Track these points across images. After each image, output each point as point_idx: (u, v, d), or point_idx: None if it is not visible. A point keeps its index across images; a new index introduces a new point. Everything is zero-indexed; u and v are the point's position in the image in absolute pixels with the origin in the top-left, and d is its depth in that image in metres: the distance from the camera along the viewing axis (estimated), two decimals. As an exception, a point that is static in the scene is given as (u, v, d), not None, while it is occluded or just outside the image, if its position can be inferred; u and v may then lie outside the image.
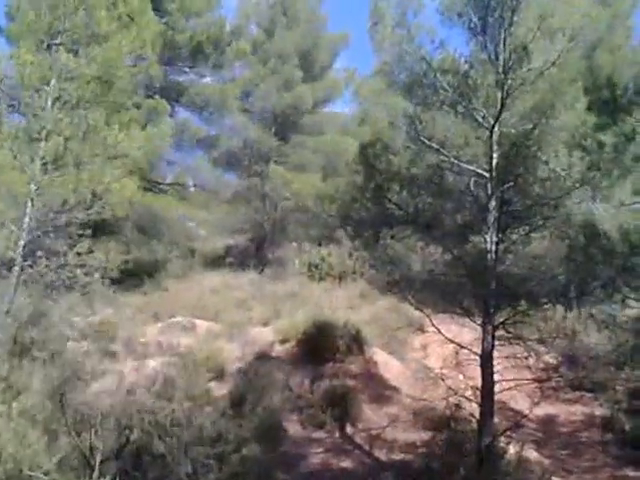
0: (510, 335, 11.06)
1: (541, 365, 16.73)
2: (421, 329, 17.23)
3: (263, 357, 15.80)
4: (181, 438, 9.26)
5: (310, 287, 21.65)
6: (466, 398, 11.40)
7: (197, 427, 9.68)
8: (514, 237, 10.92)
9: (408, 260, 11.49)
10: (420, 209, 10.50)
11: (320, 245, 25.22)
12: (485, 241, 10.68)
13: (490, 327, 10.77)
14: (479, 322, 11.09)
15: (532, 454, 12.60)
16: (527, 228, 10.91)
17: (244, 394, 12.81)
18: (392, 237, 11.16)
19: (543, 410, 14.92)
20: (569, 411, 15.91)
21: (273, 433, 11.93)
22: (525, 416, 13.36)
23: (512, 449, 11.57)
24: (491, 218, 10.68)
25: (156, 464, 9.07)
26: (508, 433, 11.51)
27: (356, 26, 38.89)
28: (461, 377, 13.43)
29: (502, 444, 11.30)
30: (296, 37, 28.32)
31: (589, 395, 16.57)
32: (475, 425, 11.13)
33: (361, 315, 17.97)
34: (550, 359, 17.23)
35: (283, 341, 16.49)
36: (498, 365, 11.22)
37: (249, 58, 26.63)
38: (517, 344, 11.47)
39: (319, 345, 15.65)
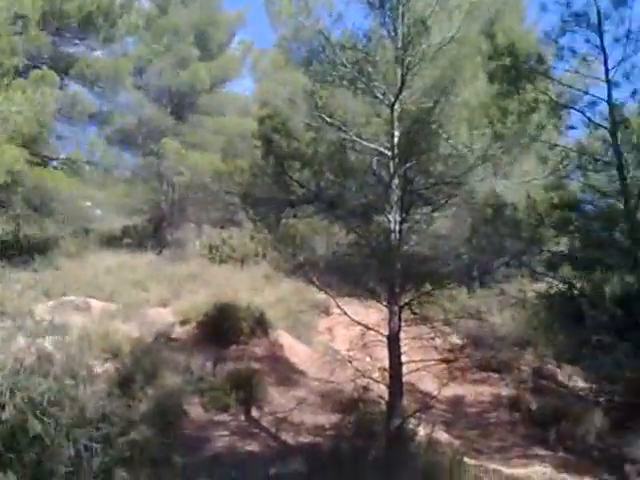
0: (416, 316, 10.88)
1: (448, 346, 16.74)
2: (326, 311, 17.22)
3: (162, 338, 15.05)
4: (60, 419, 8.51)
5: (211, 269, 21.08)
6: (374, 380, 11.16)
7: (79, 407, 8.87)
8: (418, 216, 10.72)
9: (311, 241, 11.16)
10: (323, 187, 10.12)
11: (222, 228, 24.66)
12: (389, 221, 10.45)
13: (396, 308, 10.56)
14: (385, 303, 10.88)
15: (442, 435, 12.56)
16: (430, 207, 10.74)
17: (133, 374, 12.00)
18: (294, 216, 10.77)
19: (451, 391, 14.95)
20: (477, 391, 15.98)
21: (171, 416, 11.30)
22: (434, 397, 13.15)
23: (422, 431, 11.44)
24: (394, 197, 10.46)
25: (33, 446, 8.29)
26: (417, 415, 11.33)
27: (253, 4, 37.74)
28: (368, 359, 13.23)
29: (411, 426, 11.16)
30: (192, 13, 27.34)
31: (495, 375, 16.73)
32: (384, 407, 10.97)
33: (265, 298, 17.56)
34: (457, 340, 17.32)
35: (183, 322, 15.86)
36: (405, 346, 11.02)
37: (142, 33, 25.51)
38: (424, 325, 11.31)
39: (221, 327, 15.15)
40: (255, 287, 18.86)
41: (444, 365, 13.93)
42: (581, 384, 16.63)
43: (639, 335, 13.81)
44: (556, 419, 13.69)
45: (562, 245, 13.48)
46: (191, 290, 18.08)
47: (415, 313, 10.72)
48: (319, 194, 10.11)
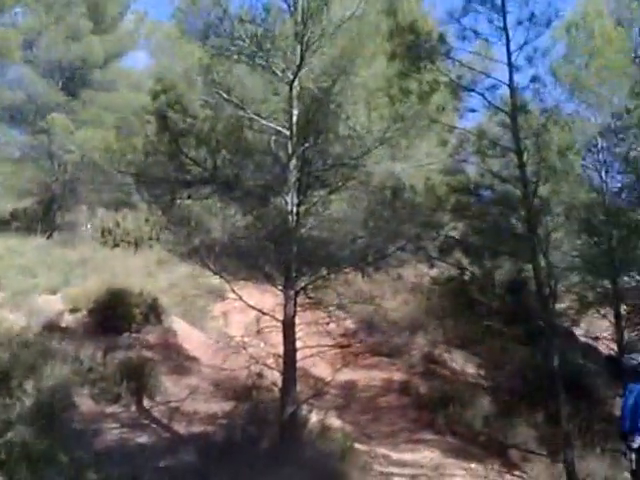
0: (312, 300, 10.71)
1: (341, 331, 16.77)
2: (222, 296, 16.83)
3: (50, 327, 14.19)
4: None
5: (103, 253, 20.26)
6: (268, 367, 11.00)
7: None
8: (315, 199, 10.51)
9: (207, 223, 10.80)
10: (219, 167, 9.75)
11: (116, 210, 23.81)
12: (286, 203, 10.20)
13: (292, 292, 10.37)
14: (281, 288, 10.67)
15: (334, 421, 12.51)
16: (328, 189, 10.56)
17: (10, 369, 11.20)
18: (189, 198, 10.38)
19: (344, 376, 14.83)
20: (369, 376, 16.00)
21: (58, 410, 10.70)
22: (327, 383, 13.20)
23: (315, 417, 11.33)
24: (292, 178, 10.23)
25: None
26: (310, 401, 11.23)
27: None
28: (262, 345, 13.00)
29: (304, 412, 11.04)
30: (84, -16, 26.03)
31: (387, 360, 16.77)
32: (278, 394, 10.75)
33: (159, 283, 17.07)
34: (350, 325, 17.30)
35: (73, 310, 15.06)
36: (300, 331, 10.86)
37: (31, 3, 24.28)
38: (319, 310, 11.17)
39: (113, 314, 14.48)
40: (149, 272, 18.31)
41: (337, 350, 13.86)
42: (470, 369, 16.97)
43: (528, 322, 14.18)
44: (444, 404, 13.98)
45: (459, 230, 13.54)
46: (82, 276, 17.25)
47: (311, 298, 10.54)
48: (215, 174, 9.74)
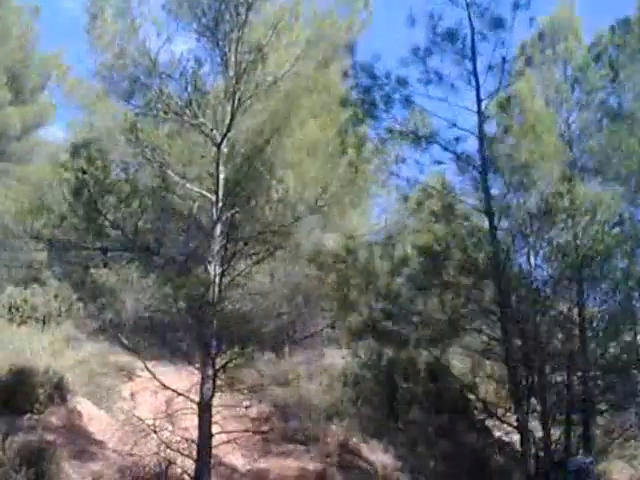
0: (231, 380, 9.99)
1: (254, 415, 15.84)
2: (131, 376, 15.84)
3: None
4: None
5: (10, 331, 19.02)
6: (180, 453, 10.12)
7: None
8: (240, 267, 9.93)
9: (121, 295, 10.07)
10: (140, 231, 9.07)
11: (25, 287, 22.58)
12: (208, 273, 9.59)
13: (211, 371, 9.69)
14: (198, 366, 9.95)
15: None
16: (254, 259, 9.99)
17: None
18: (105, 265, 9.67)
19: (256, 464, 13.90)
20: (283, 465, 15.06)
21: None
22: (241, 473, 12.52)
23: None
24: (216, 246, 9.69)
25: None
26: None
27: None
28: (174, 429, 11.99)
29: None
30: (6, 54, 25.49)
31: (302, 448, 15.94)
32: None
33: (65, 361, 15.92)
34: (264, 408, 16.42)
35: None
36: (216, 415, 10.09)
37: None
38: (238, 391, 10.43)
39: (16, 394, 13.35)
40: (55, 350, 17.16)
41: (250, 436, 12.96)
42: (388, 460, 16.19)
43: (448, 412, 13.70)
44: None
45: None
46: (-16, 355, 16.06)
47: (231, 377, 9.82)
48: (136, 239, 9.06)
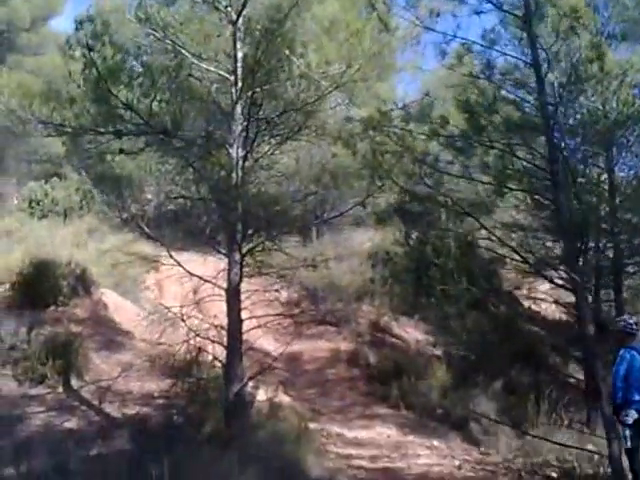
0: (260, 264, 9.62)
1: (283, 299, 15.64)
2: (156, 266, 15.65)
3: None
4: None
5: (30, 225, 18.83)
6: (210, 340, 9.85)
7: None
8: (264, 149, 9.39)
9: (141, 181, 9.63)
10: (155, 112, 8.46)
11: (46, 182, 22.25)
12: (230, 155, 9.06)
13: (237, 256, 9.29)
14: (224, 251, 9.61)
15: (282, 397, 11.49)
16: (278, 138, 9.44)
17: None
18: (122, 151, 9.15)
19: (288, 348, 13.80)
20: (314, 347, 15.08)
21: None
22: (274, 356, 12.21)
23: (262, 395, 10.32)
24: (237, 128, 9.11)
25: None
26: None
27: None
28: (202, 316, 11.78)
29: (250, 390, 10.01)
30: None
31: (333, 329, 15.85)
32: (221, 370, 9.77)
33: (88, 253, 15.76)
34: (293, 292, 16.27)
35: None
36: (245, 300, 9.81)
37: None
38: (266, 275, 10.10)
39: (38, 287, 13.32)
40: (78, 242, 16.96)
41: (280, 320, 12.74)
42: (419, 337, 16.14)
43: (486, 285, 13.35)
44: (397, 375, 13.11)
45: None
46: (6, 248, 15.85)
47: (260, 262, 9.45)
48: (151, 121, 8.47)
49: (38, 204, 20.59)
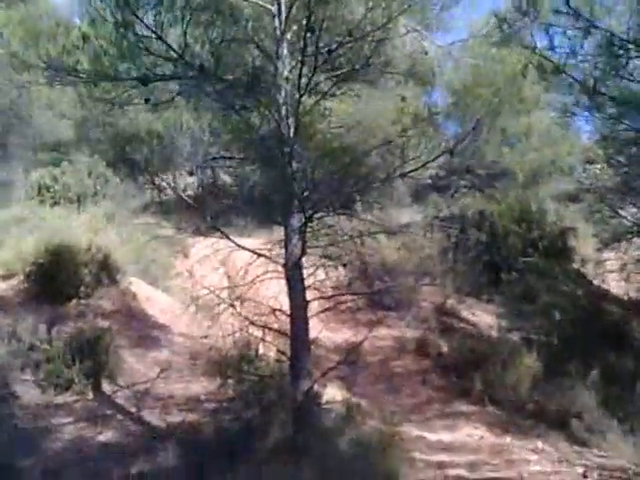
0: (328, 233, 7.94)
1: (332, 283, 13.91)
2: (187, 250, 14.01)
3: None
4: None
5: (43, 212, 17.22)
6: (267, 328, 8.23)
7: None
8: (318, 93, 7.56)
9: (173, 137, 7.91)
10: (192, 43, 6.66)
11: (57, 166, 20.69)
12: (278, 102, 7.30)
13: (297, 223, 7.62)
14: (279, 220, 7.94)
15: (346, 396, 9.73)
16: (335, 79, 7.62)
17: None
18: (147, 101, 7.39)
19: (342, 336, 12.47)
20: (374, 336, 13.22)
21: None
22: (326, 347, 11.24)
23: (331, 393, 8.68)
24: (285, 68, 7.38)
25: None
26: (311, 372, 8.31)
27: None
28: (252, 303, 10.09)
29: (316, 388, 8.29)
30: None
31: (393, 314, 14.05)
32: (276, 365, 8.47)
33: (110, 238, 14.10)
34: (345, 273, 14.49)
35: (7, 277, 12.49)
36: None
37: None
38: (331, 245, 8.35)
39: (57, 277, 11.72)
40: (97, 228, 15.29)
41: (334, 305, 10.95)
42: (490, 321, 14.27)
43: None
44: (476, 365, 11.16)
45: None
46: (18, 236, 14.26)
47: (330, 227, 7.69)
48: (185, 55, 6.68)
49: (48, 190, 19.04)
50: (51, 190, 19.18)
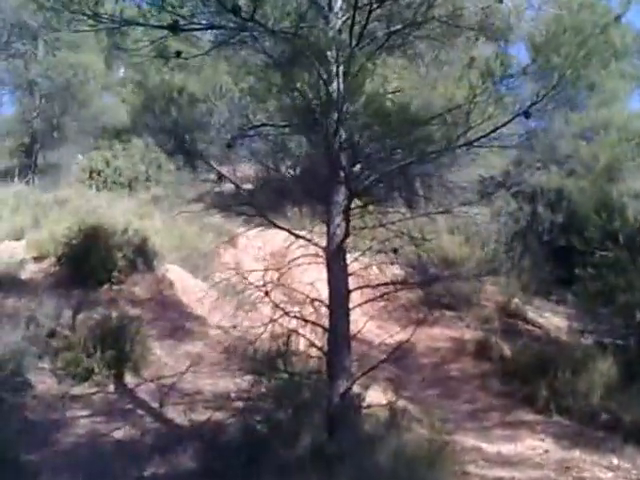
0: (378, 215, 7.03)
1: (385, 278, 12.99)
2: (233, 239, 13.30)
3: (6, 280, 11.23)
4: None
5: (89, 194, 17.05)
6: (304, 320, 7.32)
7: None
8: (379, 41, 6.58)
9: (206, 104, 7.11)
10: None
11: (110, 148, 20.35)
12: (327, 61, 6.29)
13: (342, 200, 6.66)
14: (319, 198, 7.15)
15: (392, 399, 8.78)
16: (394, 37, 6.64)
17: None
18: (179, 54, 6.55)
19: (395, 336, 11.26)
20: (429, 336, 12.39)
21: (4, 392, 7.93)
22: (376, 347, 10.08)
23: (374, 396, 7.75)
24: (337, 22, 6.53)
25: None
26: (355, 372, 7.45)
27: None
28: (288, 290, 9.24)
29: (356, 390, 7.38)
30: None
31: (451, 313, 13.14)
32: (315, 363, 7.53)
33: (152, 223, 13.63)
34: (397, 269, 13.61)
35: (39, 258, 12.22)
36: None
37: None
38: (382, 226, 7.44)
39: (90, 261, 11.34)
40: (142, 213, 14.80)
41: (385, 301, 10.11)
42: (558, 321, 13.48)
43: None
44: (542, 370, 10.24)
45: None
46: (56, 219, 13.86)
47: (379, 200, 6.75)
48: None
49: (99, 174, 18.70)
50: (102, 174, 18.89)
